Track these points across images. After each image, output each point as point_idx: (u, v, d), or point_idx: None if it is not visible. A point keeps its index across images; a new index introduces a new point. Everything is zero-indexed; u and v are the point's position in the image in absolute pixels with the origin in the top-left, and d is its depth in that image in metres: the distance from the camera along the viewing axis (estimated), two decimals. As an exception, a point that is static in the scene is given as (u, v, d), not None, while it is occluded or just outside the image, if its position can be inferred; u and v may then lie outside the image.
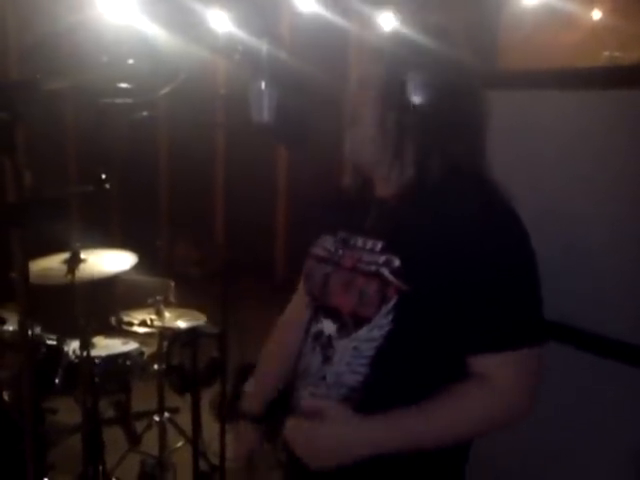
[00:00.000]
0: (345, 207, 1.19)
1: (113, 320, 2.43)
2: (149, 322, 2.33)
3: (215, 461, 2.41)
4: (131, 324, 2.34)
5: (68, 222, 1.69)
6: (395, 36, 1.10)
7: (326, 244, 1.17)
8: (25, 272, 1.17)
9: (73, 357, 2.26)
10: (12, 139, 1.09)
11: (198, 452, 2.07)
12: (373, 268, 1.04)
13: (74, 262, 2.05)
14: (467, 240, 1.00)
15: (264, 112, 1.10)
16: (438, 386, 1.02)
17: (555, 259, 1.15)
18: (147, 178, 5.44)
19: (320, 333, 1.12)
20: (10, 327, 2.26)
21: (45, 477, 2.12)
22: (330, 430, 1.02)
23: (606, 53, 3.27)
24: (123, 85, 2.07)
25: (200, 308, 2.68)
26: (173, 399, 2.63)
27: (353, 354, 1.06)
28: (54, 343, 2.29)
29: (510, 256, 1.01)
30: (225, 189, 5.14)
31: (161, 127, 5.28)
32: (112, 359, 2.39)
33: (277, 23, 4.27)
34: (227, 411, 2.37)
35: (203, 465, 2.42)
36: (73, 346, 2.30)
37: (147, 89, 2.09)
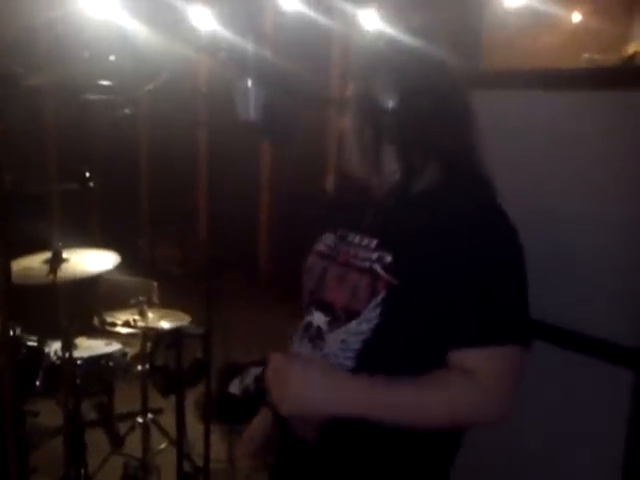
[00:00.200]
0: (347, 207, 1.22)
1: (96, 321, 2.40)
2: (132, 323, 2.30)
3: (199, 462, 2.39)
4: (114, 325, 2.32)
5: (49, 220, 1.66)
6: (375, 39, 1.12)
7: (327, 241, 1.20)
8: (7, 271, 1.15)
9: (54, 358, 2.23)
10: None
11: (182, 453, 2.05)
12: (367, 264, 1.07)
13: (56, 262, 2.02)
14: (456, 237, 1.01)
15: (250, 110, 1.11)
16: None
17: (541, 260, 1.16)
18: (128, 176, 5.38)
19: (309, 324, 1.14)
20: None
21: (26, 480, 2.09)
22: (303, 375, 1.02)
23: (586, 55, 3.32)
24: (104, 82, 2.04)
25: (184, 308, 2.66)
26: (156, 400, 2.61)
27: (341, 347, 1.07)
28: (35, 344, 2.25)
29: (497, 252, 1.03)
30: (208, 186, 5.12)
31: (142, 125, 5.22)
32: (94, 360, 2.36)
33: (260, 21, 4.26)
34: (212, 411, 2.36)
35: (187, 466, 2.41)
36: (54, 347, 2.27)
37: (129, 86, 2.07)
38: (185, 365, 2.12)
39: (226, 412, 2.84)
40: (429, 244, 1.03)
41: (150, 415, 2.58)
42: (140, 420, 2.55)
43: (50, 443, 2.43)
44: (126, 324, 2.28)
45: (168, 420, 2.64)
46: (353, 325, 1.06)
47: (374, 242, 1.09)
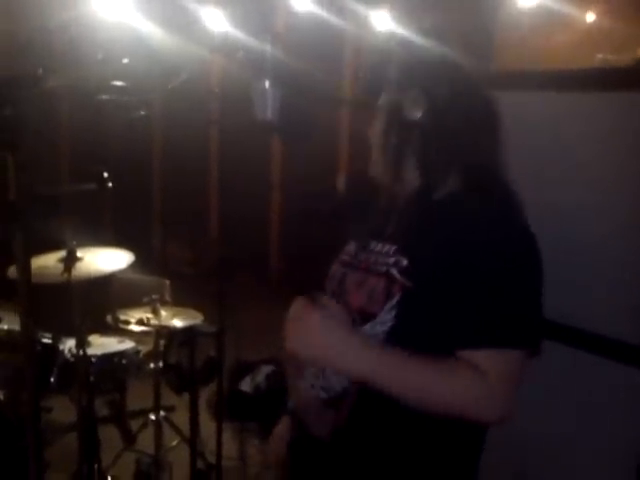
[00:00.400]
0: (370, 215, 1.23)
1: (109, 318, 2.42)
2: (146, 321, 2.32)
3: (211, 459, 2.41)
4: (128, 323, 2.34)
5: (62, 219, 1.68)
6: (407, 51, 1.12)
7: (350, 249, 1.22)
8: (27, 271, 1.17)
9: (69, 356, 2.25)
10: (16, 136, 1.09)
11: (196, 451, 2.07)
12: (384, 269, 1.09)
13: (70, 260, 2.04)
14: (471, 241, 1.02)
15: (268, 110, 1.12)
16: None
17: (550, 259, 1.16)
18: (141, 176, 5.42)
19: None
20: (5, 326, 2.24)
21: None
22: (321, 322, 1.04)
23: (599, 55, 3.30)
24: (118, 83, 2.06)
25: (195, 307, 2.68)
26: (168, 397, 2.63)
27: None
28: (49, 341, 2.28)
29: (514, 258, 1.03)
30: (219, 186, 5.14)
31: (155, 125, 5.26)
32: (108, 358, 2.38)
33: (273, 22, 4.28)
34: (223, 409, 2.37)
35: (199, 463, 2.43)
36: (68, 345, 2.29)
37: (142, 88, 2.09)
38: (198, 363, 2.13)
39: (237, 410, 2.87)
40: (444, 248, 1.03)
41: (162, 412, 2.60)
42: (152, 417, 2.57)
43: (63, 439, 2.46)
44: (140, 322, 2.29)
45: (180, 417, 2.66)
46: (368, 327, 1.07)
47: (393, 248, 1.11)
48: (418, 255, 1.06)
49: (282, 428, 1.33)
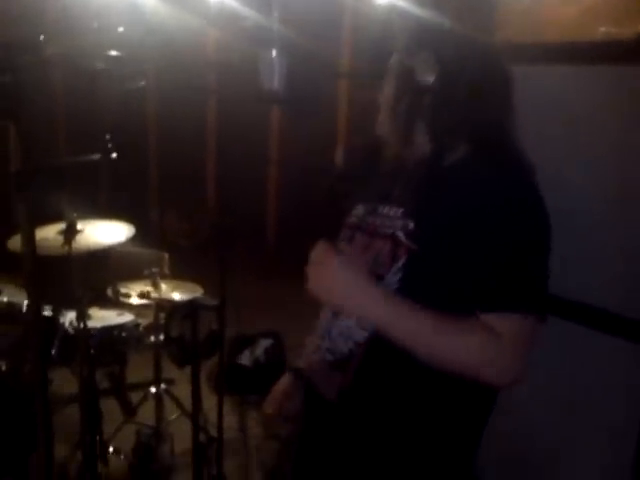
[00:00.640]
0: (379, 179, 1.23)
1: (110, 291, 2.40)
2: (146, 294, 2.31)
3: (212, 432, 2.42)
4: (128, 296, 2.32)
5: (65, 192, 1.66)
6: (417, 14, 1.10)
7: (358, 212, 1.22)
8: (32, 244, 1.15)
9: (69, 328, 2.24)
10: (16, 104, 1.06)
11: (198, 424, 2.08)
12: (390, 231, 1.09)
13: (70, 233, 2.02)
14: (479, 205, 1.02)
15: (275, 80, 1.11)
16: None
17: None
18: (136, 147, 5.35)
19: None
20: (5, 298, 2.23)
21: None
22: (340, 268, 1.06)
23: (602, 29, 3.25)
24: (113, 53, 2.02)
25: (193, 279, 2.67)
26: (168, 370, 2.64)
27: None
28: (50, 314, 2.27)
29: (523, 223, 1.03)
30: (216, 157, 5.10)
31: (150, 96, 5.17)
32: (108, 330, 2.38)
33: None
34: (223, 382, 2.38)
35: (200, 436, 2.44)
36: (69, 317, 2.28)
37: (138, 57, 2.04)
38: (200, 336, 2.13)
39: (236, 383, 2.88)
40: (452, 212, 1.03)
41: (163, 385, 2.61)
42: (153, 390, 2.58)
43: (65, 410, 2.46)
44: (141, 295, 2.28)
45: (180, 390, 2.67)
46: None
47: (400, 211, 1.10)
48: (425, 218, 1.06)
49: (283, 382, 1.34)
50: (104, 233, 2.21)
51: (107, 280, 2.50)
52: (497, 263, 1.01)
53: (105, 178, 4.49)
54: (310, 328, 1.34)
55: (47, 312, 2.27)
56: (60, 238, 2.05)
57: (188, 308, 1.97)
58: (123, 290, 2.37)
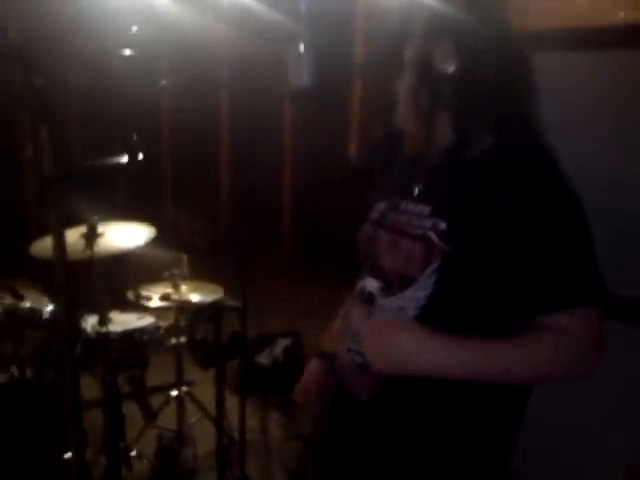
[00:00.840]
0: (400, 173, 1.19)
1: (131, 295, 2.38)
2: (167, 296, 2.29)
3: (234, 434, 2.41)
4: (149, 299, 2.30)
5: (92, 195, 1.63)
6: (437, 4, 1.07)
7: (379, 208, 1.19)
8: (62, 249, 1.13)
9: (91, 333, 2.22)
10: (50, 107, 1.04)
11: (222, 427, 2.06)
12: (420, 231, 1.06)
13: (92, 237, 2.00)
14: (514, 203, 0.99)
15: (303, 75, 1.09)
16: None
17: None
18: (149, 145, 5.33)
19: (362, 290, 1.15)
20: (27, 304, 2.21)
21: (67, 452, 2.12)
22: (408, 334, 1.03)
23: (621, 14, 3.20)
24: (128, 51, 2.00)
25: (211, 280, 2.64)
26: (189, 372, 2.62)
27: (398, 313, 1.07)
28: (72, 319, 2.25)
29: (561, 216, 1.01)
30: (230, 153, 5.08)
31: (164, 95, 5.16)
32: (129, 334, 2.35)
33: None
34: (244, 383, 2.36)
35: (222, 439, 2.42)
36: (90, 322, 2.27)
37: (152, 56, 2.02)
38: (224, 338, 2.11)
39: (256, 383, 2.86)
40: (486, 211, 1.00)
41: (184, 387, 2.59)
42: (174, 393, 2.56)
43: (87, 415, 2.45)
44: (163, 298, 2.26)
45: (200, 392, 2.66)
46: (410, 292, 1.06)
47: (427, 209, 1.07)
48: (457, 219, 1.03)
49: (312, 368, 1.32)
50: (125, 236, 2.19)
51: (127, 283, 2.48)
52: (550, 262, 0.99)
53: (124, 178, 4.49)
54: (328, 327, 1.32)
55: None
56: (81, 242, 2.03)
57: (212, 310, 1.96)
58: (145, 293, 2.35)
